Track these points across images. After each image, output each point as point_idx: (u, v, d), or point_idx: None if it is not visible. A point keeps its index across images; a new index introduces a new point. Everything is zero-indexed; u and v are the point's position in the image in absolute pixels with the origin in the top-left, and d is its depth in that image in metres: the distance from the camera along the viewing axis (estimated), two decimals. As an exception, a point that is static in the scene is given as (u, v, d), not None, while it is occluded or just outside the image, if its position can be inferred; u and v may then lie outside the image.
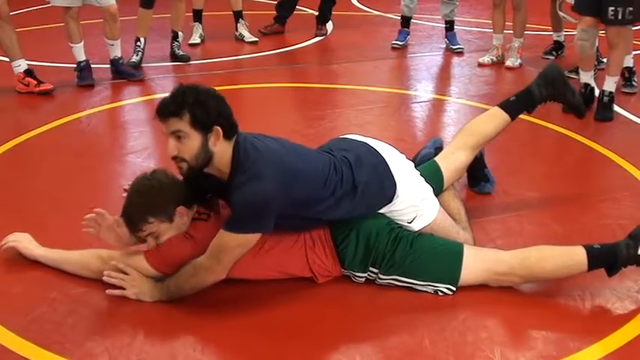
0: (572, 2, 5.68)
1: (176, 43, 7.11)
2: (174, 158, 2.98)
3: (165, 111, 2.94)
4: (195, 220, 3.19)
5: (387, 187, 3.28)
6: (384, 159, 3.33)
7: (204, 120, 2.93)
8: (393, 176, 3.30)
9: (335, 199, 3.15)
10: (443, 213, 3.43)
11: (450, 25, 7.58)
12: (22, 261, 3.43)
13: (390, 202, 3.29)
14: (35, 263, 3.40)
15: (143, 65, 6.82)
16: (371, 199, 3.26)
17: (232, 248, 2.98)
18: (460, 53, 7.42)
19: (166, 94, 2.99)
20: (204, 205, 3.24)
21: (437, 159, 3.69)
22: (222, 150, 2.99)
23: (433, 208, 3.37)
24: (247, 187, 2.90)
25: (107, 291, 3.14)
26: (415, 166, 3.53)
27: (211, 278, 3.07)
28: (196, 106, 2.92)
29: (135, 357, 2.80)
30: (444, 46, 7.63)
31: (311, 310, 3.09)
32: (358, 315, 3.08)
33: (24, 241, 3.45)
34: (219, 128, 2.95)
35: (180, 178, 3.11)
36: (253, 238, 2.99)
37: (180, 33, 7.14)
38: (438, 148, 3.90)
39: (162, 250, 3.13)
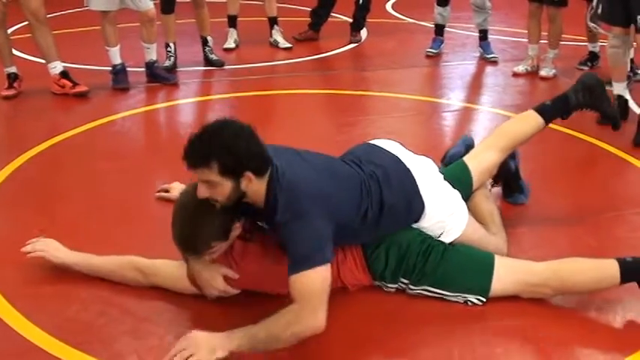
0: (600, 12, 5.62)
1: (208, 47, 7.15)
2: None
3: (192, 161, 2.80)
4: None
5: (414, 208, 3.23)
6: (413, 177, 3.25)
7: (233, 168, 2.78)
8: (420, 196, 3.23)
9: (364, 222, 3.08)
10: (473, 224, 3.39)
11: (483, 34, 7.54)
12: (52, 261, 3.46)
13: (417, 221, 3.25)
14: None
15: (177, 69, 6.86)
16: (397, 220, 3.20)
17: (314, 284, 2.76)
18: (494, 62, 7.38)
19: (193, 136, 2.84)
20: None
21: (466, 159, 3.60)
22: (255, 188, 2.87)
23: (461, 222, 3.32)
24: (295, 226, 2.79)
25: None
26: (445, 165, 3.50)
27: (310, 322, 2.74)
28: (224, 153, 2.76)
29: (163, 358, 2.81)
30: (478, 54, 7.59)
31: (341, 321, 3.04)
32: (388, 325, 3.06)
33: (50, 249, 3.38)
34: (250, 173, 2.82)
35: None
36: (326, 267, 2.79)
37: (209, 38, 7.16)
38: (469, 146, 3.81)
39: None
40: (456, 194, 3.39)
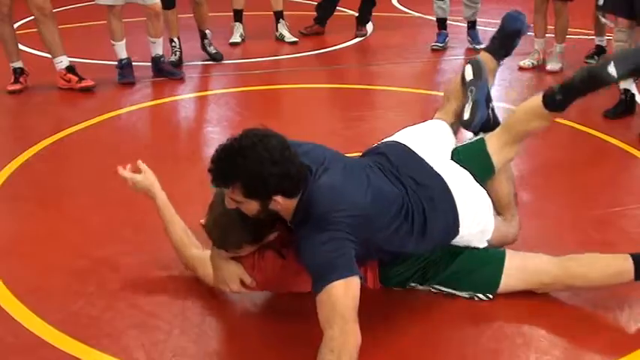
0: (602, 2, 5.61)
1: (206, 41, 7.14)
2: None
3: (215, 180, 2.67)
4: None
5: (450, 234, 3.10)
6: (455, 203, 3.07)
7: (259, 192, 2.63)
8: (458, 223, 3.08)
9: (400, 242, 2.92)
10: (494, 231, 3.27)
11: (472, 24, 7.66)
12: (60, 255, 3.48)
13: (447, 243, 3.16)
14: (74, 256, 3.45)
15: (184, 64, 6.86)
16: (431, 243, 3.04)
17: (344, 299, 2.56)
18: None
19: (219, 151, 2.65)
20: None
21: (490, 152, 3.29)
22: (286, 206, 2.71)
23: (486, 237, 3.22)
24: (316, 239, 2.63)
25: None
26: (475, 133, 3.42)
27: (351, 340, 2.53)
28: (248, 178, 2.59)
29: (170, 353, 2.82)
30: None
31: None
32: (393, 321, 3.04)
33: (149, 180, 3.37)
34: (279, 197, 2.65)
35: None
36: (354, 279, 2.60)
37: (207, 32, 7.15)
38: (488, 98, 3.53)
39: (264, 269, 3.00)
40: (487, 207, 3.25)
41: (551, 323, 3.01)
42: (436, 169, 3.14)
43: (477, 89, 3.47)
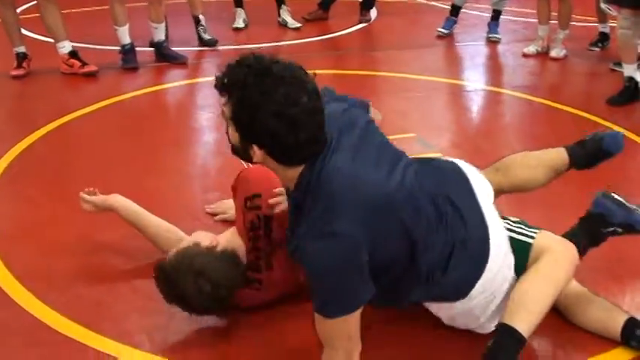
0: None
1: (201, 27, 7.11)
2: None
3: (216, 84, 2.25)
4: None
5: (460, 291, 2.57)
6: (487, 259, 2.54)
7: (243, 127, 2.21)
8: (475, 284, 2.55)
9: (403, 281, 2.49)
10: None
11: (496, 14, 7.53)
12: (62, 239, 3.48)
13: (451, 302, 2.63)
14: (76, 240, 3.47)
15: (186, 49, 6.82)
16: (435, 292, 2.57)
17: (348, 325, 2.33)
18: (496, 42, 7.38)
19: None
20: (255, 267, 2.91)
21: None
22: (273, 168, 2.32)
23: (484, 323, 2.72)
24: (318, 247, 2.22)
25: None
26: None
27: (355, 355, 2.39)
28: (241, 104, 2.17)
29: (172, 336, 2.83)
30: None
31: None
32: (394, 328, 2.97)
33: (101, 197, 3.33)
34: (257, 149, 2.23)
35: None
36: (356, 314, 2.33)
37: (201, 17, 7.12)
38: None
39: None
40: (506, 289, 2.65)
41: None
42: (485, 215, 2.62)
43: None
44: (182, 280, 2.68)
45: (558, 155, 3.14)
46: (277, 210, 2.87)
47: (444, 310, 2.70)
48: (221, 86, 2.20)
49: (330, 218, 2.20)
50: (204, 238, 2.93)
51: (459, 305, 2.60)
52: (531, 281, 2.55)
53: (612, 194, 3.03)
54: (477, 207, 2.60)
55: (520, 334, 2.43)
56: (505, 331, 2.45)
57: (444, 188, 2.55)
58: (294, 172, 2.29)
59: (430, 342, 2.81)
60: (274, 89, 2.11)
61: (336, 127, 2.34)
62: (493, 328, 2.63)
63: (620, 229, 2.99)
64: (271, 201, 2.87)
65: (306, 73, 2.24)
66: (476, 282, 2.53)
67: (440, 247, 2.45)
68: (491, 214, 2.63)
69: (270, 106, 2.11)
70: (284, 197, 2.76)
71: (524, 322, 2.45)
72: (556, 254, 2.63)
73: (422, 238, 2.39)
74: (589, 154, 3.16)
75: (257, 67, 2.15)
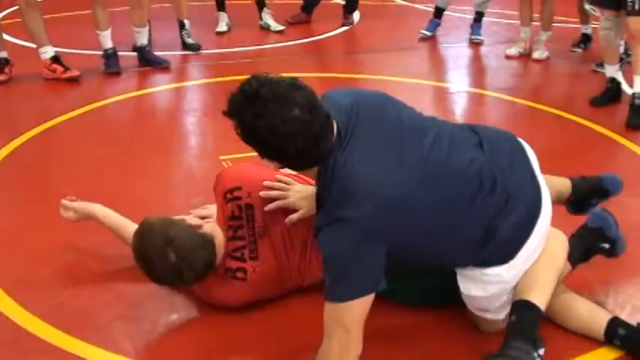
0: None
1: (185, 31, 7.10)
2: None
3: (223, 112, 2.41)
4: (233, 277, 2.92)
5: (507, 254, 2.58)
6: (536, 222, 2.59)
7: (253, 146, 2.38)
8: (520, 249, 2.57)
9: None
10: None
11: (479, 16, 7.56)
12: (46, 245, 3.46)
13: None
14: (60, 247, 3.45)
15: (169, 53, 6.82)
16: (484, 256, 2.57)
17: (351, 315, 2.38)
18: (479, 44, 7.40)
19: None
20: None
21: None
22: (296, 172, 2.65)
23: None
24: (327, 231, 2.37)
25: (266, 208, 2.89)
26: None
27: (351, 352, 2.40)
28: (243, 131, 2.34)
29: (156, 343, 2.82)
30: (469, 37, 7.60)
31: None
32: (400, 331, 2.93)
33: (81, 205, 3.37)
34: (269, 161, 2.42)
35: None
36: (371, 296, 2.41)
37: (186, 21, 7.12)
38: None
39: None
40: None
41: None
42: (540, 181, 2.69)
43: None
44: (152, 241, 2.76)
45: (564, 182, 3.24)
46: (275, 204, 2.90)
47: (477, 288, 2.65)
48: (227, 114, 2.38)
49: (341, 207, 2.34)
50: (193, 221, 2.95)
51: (504, 273, 2.58)
52: (536, 265, 2.65)
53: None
54: (529, 168, 2.70)
55: (538, 307, 2.56)
56: (524, 306, 2.58)
57: (497, 155, 2.62)
58: (312, 172, 2.45)
59: (430, 342, 2.83)
60: (264, 110, 2.28)
61: (346, 120, 2.48)
62: (504, 317, 2.70)
63: (607, 245, 3.08)
64: (262, 193, 2.92)
65: (298, 87, 2.36)
66: (527, 238, 2.56)
67: (496, 199, 2.50)
68: (541, 179, 2.71)
69: (263, 125, 2.27)
70: (277, 191, 2.90)
71: (538, 298, 2.58)
72: (551, 242, 2.73)
73: (469, 200, 2.47)
74: (589, 187, 3.28)
75: (248, 92, 2.34)
